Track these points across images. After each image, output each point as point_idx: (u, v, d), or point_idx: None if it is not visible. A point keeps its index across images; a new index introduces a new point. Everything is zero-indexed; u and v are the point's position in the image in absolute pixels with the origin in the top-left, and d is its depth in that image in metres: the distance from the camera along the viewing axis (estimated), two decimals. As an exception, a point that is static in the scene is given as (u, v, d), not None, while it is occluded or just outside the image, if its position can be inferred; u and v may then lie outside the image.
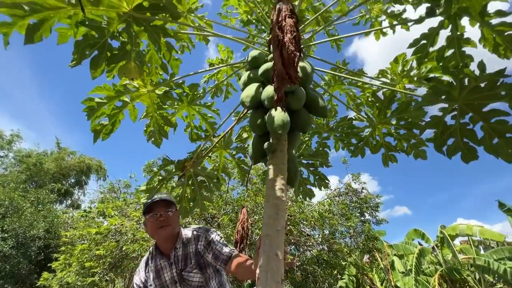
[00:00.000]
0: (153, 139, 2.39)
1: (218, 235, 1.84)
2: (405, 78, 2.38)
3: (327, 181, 3.02)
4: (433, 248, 9.82)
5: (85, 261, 4.86)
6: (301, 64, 1.73)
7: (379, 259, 8.30)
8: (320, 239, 6.22)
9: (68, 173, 15.23)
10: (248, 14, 2.82)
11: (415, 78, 2.33)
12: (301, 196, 3.19)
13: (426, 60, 1.99)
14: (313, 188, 3.15)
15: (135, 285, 1.80)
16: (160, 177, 2.39)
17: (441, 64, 1.85)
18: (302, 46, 2.39)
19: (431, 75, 2.27)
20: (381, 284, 8.24)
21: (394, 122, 2.47)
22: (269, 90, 1.59)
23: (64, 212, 12.46)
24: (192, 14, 2.57)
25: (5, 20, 1.09)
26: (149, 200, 1.75)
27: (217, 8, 3.07)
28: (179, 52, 1.99)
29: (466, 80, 1.60)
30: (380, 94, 2.53)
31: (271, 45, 0.97)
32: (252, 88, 1.66)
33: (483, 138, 1.72)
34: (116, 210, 5.78)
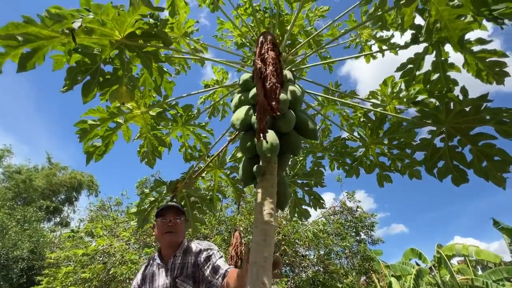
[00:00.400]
0: (146, 159, 2.39)
1: (219, 252, 1.81)
2: (395, 100, 2.43)
3: (322, 201, 2.99)
4: (430, 268, 9.55)
5: (69, 285, 4.62)
6: (291, 87, 1.77)
7: (376, 280, 8.03)
8: (315, 260, 6.04)
9: (58, 189, 14.91)
10: (242, 37, 2.91)
11: (405, 99, 2.38)
12: (296, 216, 3.15)
13: (414, 82, 2.05)
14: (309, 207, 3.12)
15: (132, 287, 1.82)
16: (152, 199, 2.36)
17: (428, 86, 1.91)
18: (294, 69, 2.46)
19: (420, 96, 2.32)
20: None
21: (386, 142, 2.50)
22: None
23: (52, 231, 12.03)
24: (188, 38, 2.65)
25: (-2, 50, 1.12)
26: (162, 205, 1.87)
27: (215, 29, 3.18)
28: (173, 75, 2.04)
29: (451, 104, 1.64)
30: (371, 114, 2.58)
31: (254, 77, 1.00)
32: (242, 110, 1.69)
33: (472, 161, 1.73)
34: (106, 230, 5.62)
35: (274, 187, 1.46)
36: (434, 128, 1.79)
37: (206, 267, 1.66)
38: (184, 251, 1.75)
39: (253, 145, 1.60)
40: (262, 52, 0.94)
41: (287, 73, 1.99)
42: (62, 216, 15.77)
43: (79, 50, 1.34)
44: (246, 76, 1.92)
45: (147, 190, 2.30)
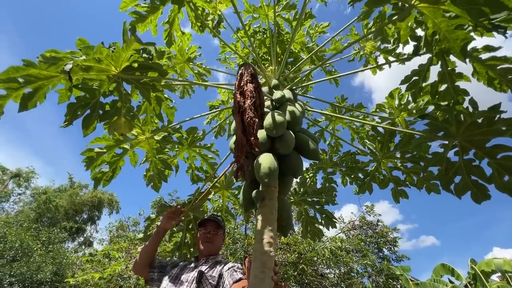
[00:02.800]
0: (152, 183, 2.41)
1: (241, 269, 1.80)
2: (403, 112, 2.33)
3: (334, 220, 2.86)
4: (465, 286, 8.67)
5: (87, 308, 4.68)
6: (289, 108, 1.74)
7: None
8: (335, 279, 5.69)
9: (81, 208, 15.53)
10: (243, 59, 2.96)
11: (414, 111, 2.27)
12: (309, 236, 3.03)
13: (421, 94, 1.96)
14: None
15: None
16: (159, 223, 2.36)
17: (436, 98, 1.81)
18: (295, 87, 2.44)
19: (430, 107, 2.21)
20: None
21: (398, 155, 2.38)
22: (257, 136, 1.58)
23: (75, 251, 12.34)
24: (191, 63, 2.73)
25: (-1, 93, 1.19)
26: (206, 216, 2.03)
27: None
28: (174, 101, 2.08)
29: (461, 116, 1.53)
30: (380, 128, 2.48)
31: (233, 111, 0.99)
32: (240, 134, 1.67)
33: (493, 175, 1.58)
34: (122, 252, 5.67)
35: (274, 214, 1.40)
36: (446, 142, 1.68)
37: (226, 271, 1.69)
38: (215, 261, 1.81)
39: (252, 169, 1.57)
40: (241, 84, 0.93)
41: (286, 92, 1.97)
42: (85, 235, 16.30)
43: (79, 86, 1.40)
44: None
45: (153, 216, 2.30)
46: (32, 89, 1.26)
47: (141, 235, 2.29)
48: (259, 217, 1.39)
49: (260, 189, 1.54)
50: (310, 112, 3.50)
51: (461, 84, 1.74)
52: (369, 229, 7.75)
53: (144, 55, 1.29)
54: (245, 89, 0.90)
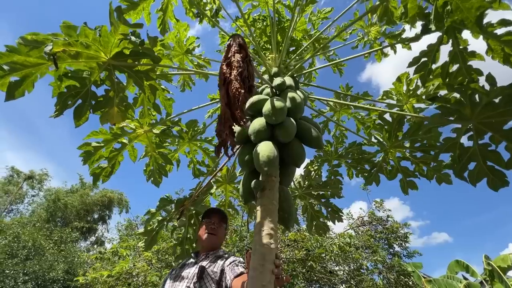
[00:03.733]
0: (152, 178, 2.36)
1: (243, 263, 1.74)
2: (412, 98, 2.21)
3: (340, 214, 2.76)
4: (481, 283, 8.37)
5: (96, 306, 4.73)
6: (290, 94, 1.65)
7: None
8: (345, 276, 5.55)
9: (92, 208, 15.87)
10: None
11: (424, 97, 2.15)
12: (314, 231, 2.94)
13: (431, 77, 1.84)
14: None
15: None
16: (160, 218, 2.31)
17: (447, 81, 1.69)
18: (296, 75, 2.34)
19: (441, 92, 2.09)
20: None
21: (407, 145, 2.27)
22: (256, 124, 1.51)
23: (88, 250, 12.62)
24: (190, 55, 2.66)
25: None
26: (210, 208, 2.01)
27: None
28: (171, 92, 2.01)
29: (476, 96, 1.42)
30: (388, 116, 2.36)
31: (219, 83, 0.91)
32: (239, 123, 1.59)
33: (511, 160, 1.47)
34: (131, 250, 5.70)
35: (275, 204, 1.33)
36: (459, 126, 1.56)
37: (227, 265, 1.66)
38: (216, 256, 1.77)
39: (251, 158, 1.49)
40: (229, 55, 0.85)
41: (287, 79, 1.89)
42: (97, 235, 16.63)
43: (69, 75, 1.34)
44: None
45: (153, 210, 2.25)
46: (19, 78, 1.21)
47: (141, 230, 2.25)
48: (259, 208, 1.31)
49: (260, 179, 1.46)
50: (313, 103, 3.40)
51: (474, 63, 1.62)
52: (378, 225, 7.56)
53: (133, 38, 1.22)
54: (232, 60, 0.83)
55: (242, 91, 0.81)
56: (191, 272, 1.66)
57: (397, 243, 7.64)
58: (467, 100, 1.42)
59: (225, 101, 0.83)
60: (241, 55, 0.85)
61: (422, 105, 2.25)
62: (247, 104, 1.61)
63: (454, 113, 1.52)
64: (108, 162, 2.15)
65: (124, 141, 2.17)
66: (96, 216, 16.89)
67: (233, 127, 0.89)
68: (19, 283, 7.72)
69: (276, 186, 1.40)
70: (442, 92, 2.07)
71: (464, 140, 1.61)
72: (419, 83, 2.11)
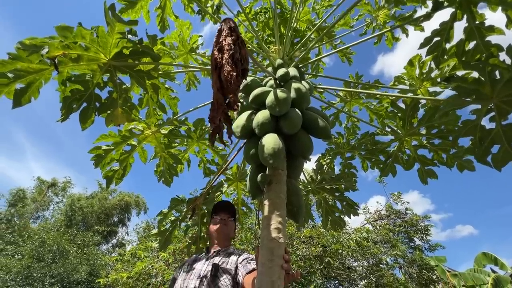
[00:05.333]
0: (163, 179, 2.38)
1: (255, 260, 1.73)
2: (426, 81, 2.09)
3: (356, 207, 2.67)
4: (511, 276, 7.87)
5: (117, 307, 4.88)
6: (295, 85, 1.60)
7: None
8: (364, 272, 5.38)
9: (111, 212, 16.52)
10: (248, 44, 2.83)
11: (438, 80, 2.03)
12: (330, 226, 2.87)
13: (446, 57, 1.72)
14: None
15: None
16: (172, 218, 2.33)
17: (463, 59, 1.57)
18: (301, 65, 2.28)
19: (458, 73, 1.95)
20: None
21: (424, 132, 2.15)
22: (259, 116, 1.47)
23: (110, 252, 13.13)
24: (194, 53, 2.65)
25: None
26: (220, 203, 2.01)
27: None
28: (175, 91, 2.01)
29: (497, 72, 1.30)
30: (400, 102, 2.25)
31: (211, 69, 0.87)
32: (243, 117, 1.56)
33: (540, 141, 1.35)
34: (149, 251, 5.84)
35: (282, 198, 1.28)
36: (479, 106, 1.45)
37: (240, 262, 1.66)
38: (228, 253, 1.77)
39: (257, 152, 1.46)
40: (220, 40, 0.82)
41: (291, 70, 1.83)
42: (117, 237, 17.24)
43: (72, 79, 1.36)
44: (247, 80, 1.80)
45: (165, 210, 2.27)
46: (25, 85, 1.23)
47: (155, 231, 2.27)
48: (266, 202, 1.27)
49: (267, 173, 1.42)
50: (323, 95, 3.31)
51: (493, 38, 1.50)
52: (397, 218, 7.28)
53: (130, 36, 1.21)
54: (223, 44, 0.79)
55: (234, 73, 0.77)
56: (203, 269, 1.66)
57: (417, 237, 7.34)
58: (486, 77, 1.31)
59: (217, 86, 0.80)
60: (232, 38, 0.82)
61: (437, 89, 2.12)
62: (251, 97, 1.58)
63: (472, 93, 1.42)
64: (120, 165, 2.18)
65: (134, 143, 2.19)
66: (116, 219, 17.52)
67: (227, 112, 0.86)
68: (46, 285, 8.18)
69: (283, 179, 1.35)
70: (459, 73, 1.94)
71: (485, 121, 1.50)
72: (433, 65, 1.98)
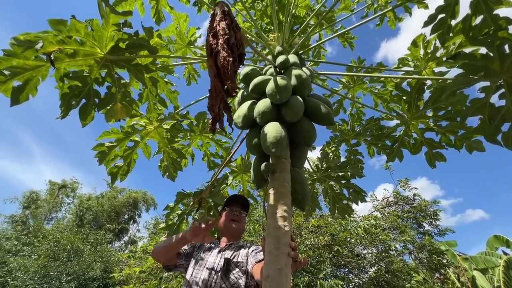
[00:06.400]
0: (168, 173, 2.38)
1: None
2: (431, 62, 2.02)
3: (363, 194, 2.64)
4: None
5: (131, 301, 5.01)
6: (295, 71, 1.56)
7: (453, 276, 6.78)
8: (373, 259, 5.38)
9: (121, 210, 16.88)
10: (246, 34, 2.78)
11: (444, 59, 1.96)
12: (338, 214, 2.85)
13: (451, 35, 1.66)
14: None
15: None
16: (179, 212, 2.34)
17: (470, 35, 1.51)
18: (301, 51, 2.23)
19: (464, 50, 1.88)
20: None
21: (430, 114, 2.10)
22: (260, 105, 1.44)
23: (122, 249, 13.50)
24: (192, 46, 2.62)
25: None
26: (232, 196, 2.01)
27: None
28: (174, 85, 1.99)
29: (506, 46, 1.24)
30: (405, 85, 2.19)
31: (207, 56, 0.85)
32: (244, 107, 1.54)
33: (553, 116, 1.29)
34: (159, 246, 5.95)
35: (287, 186, 1.27)
36: (488, 83, 1.40)
37: (250, 254, 1.69)
38: (238, 246, 1.80)
39: (259, 142, 1.43)
40: (214, 25, 0.79)
41: (291, 56, 1.79)
42: (129, 234, 17.64)
43: (70, 75, 1.35)
44: (246, 69, 1.77)
45: (171, 204, 2.28)
46: (22, 82, 1.22)
47: (163, 225, 2.29)
48: (270, 191, 1.26)
49: (270, 162, 1.40)
50: (325, 82, 3.25)
51: (502, 11, 1.43)
52: (405, 204, 7.23)
53: (125, 29, 1.19)
54: (217, 29, 0.77)
55: (231, 59, 0.75)
56: (216, 262, 1.67)
57: (426, 222, 7.29)
58: (495, 52, 1.26)
59: (214, 73, 0.77)
60: (226, 22, 0.79)
61: (443, 68, 2.06)
62: (251, 86, 1.55)
63: (480, 69, 1.36)
64: (124, 161, 2.19)
65: (137, 139, 2.19)
66: (126, 217, 17.87)
67: (226, 99, 0.83)
68: (63, 283, 8.49)
69: (287, 168, 1.34)
70: (466, 50, 1.87)
71: (494, 99, 1.45)
72: (438, 44, 1.92)
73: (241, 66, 0.83)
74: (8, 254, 11.15)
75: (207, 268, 1.67)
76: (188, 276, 1.68)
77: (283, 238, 1.07)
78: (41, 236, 11.18)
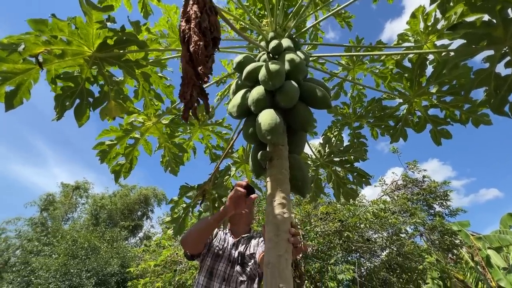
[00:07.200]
0: (170, 168, 2.40)
1: None
2: (432, 35, 1.93)
3: (368, 177, 2.61)
4: None
5: (148, 294, 5.21)
6: (288, 56, 1.52)
7: (467, 255, 6.72)
8: (384, 243, 5.37)
9: (133, 207, 17.38)
10: (240, 21, 2.71)
11: (446, 30, 1.86)
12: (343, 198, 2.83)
13: (452, 4, 1.57)
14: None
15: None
16: (184, 205, 2.36)
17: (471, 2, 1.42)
18: (294, 35, 2.16)
19: (467, 19, 1.78)
20: (477, 286, 6.58)
21: (434, 90, 2.03)
22: (254, 93, 1.41)
23: (138, 245, 13.99)
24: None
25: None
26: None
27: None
28: (169, 79, 1.97)
29: (509, 11, 1.17)
30: (406, 62, 2.11)
31: (180, 42, 0.82)
32: (238, 96, 1.51)
33: (562, 82, 1.22)
34: (172, 240, 6.13)
35: (285, 173, 1.25)
36: (492, 52, 1.32)
37: (260, 243, 1.71)
38: (249, 238, 1.83)
39: (256, 130, 1.41)
40: (187, 10, 0.76)
41: (284, 41, 1.74)
42: (144, 230, 18.17)
43: (61, 76, 1.34)
44: (239, 57, 1.73)
45: (175, 198, 2.30)
46: (14, 87, 1.23)
47: (168, 218, 2.33)
48: (268, 179, 1.25)
49: (268, 150, 1.39)
50: (324, 65, 3.17)
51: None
52: (414, 187, 7.13)
53: (109, 24, 1.17)
54: (190, 13, 0.74)
55: (201, 43, 0.72)
56: (232, 254, 1.72)
57: (437, 203, 7.20)
58: (497, 18, 1.18)
59: (186, 59, 0.75)
60: (198, 5, 0.75)
61: (446, 41, 1.96)
62: (244, 74, 1.52)
63: (483, 38, 1.29)
64: (126, 158, 2.21)
65: (137, 135, 2.20)
66: (139, 213, 18.37)
67: (201, 86, 0.81)
68: (84, 279, 8.91)
69: (284, 155, 1.32)
70: (469, 20, 1.77)
71: (500, 68, 1.37)
72: (438, 15, 1.82)
73: (216, 50, 0.80)
74: (30, 255, 11.73)
75: (224, 260, 1.71)
76: (206, 267, 1.71)
77: (282, 225, 1.07)
78: (60, 236, 11.68)
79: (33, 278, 9.85)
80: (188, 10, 0.77)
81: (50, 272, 9.44)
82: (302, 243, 1.08)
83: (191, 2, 0.77)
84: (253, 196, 1.57)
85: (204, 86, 2.43)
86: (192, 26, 0.73)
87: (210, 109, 2.67)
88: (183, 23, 0.77)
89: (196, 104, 0.85)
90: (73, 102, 1.40)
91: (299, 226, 5.14)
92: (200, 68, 0.74)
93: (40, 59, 1.15)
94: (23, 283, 10.14)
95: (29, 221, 15.42)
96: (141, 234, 17.86)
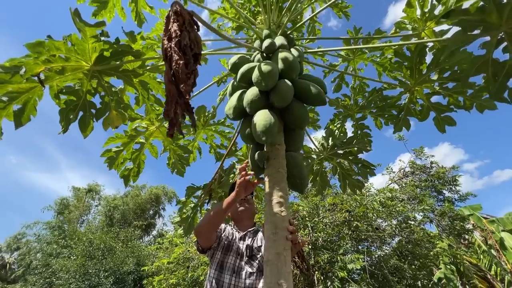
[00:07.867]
0: (176, 170, 2.46)
1: None
2: (429, 21, 1.89)
3: (372, 168, 2.61)
4: None
5: (163, 290, 5.40)
6: (282, 54, 1.52)
7: (479, 239, 6.63)
8: (393, 231, 5.35)
9: (145, 206, 17.86)
10: (234, 20, 2.71)
11: (440, 18, 1.82)
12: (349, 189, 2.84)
13: (447, -10, 1.54)
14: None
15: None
16: (192, 205, 2.43)
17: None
18: (290, 32, 2.15)
19: (465, 4, 1.74)
20: (491, 269, 6.51)
21: (435, 77, 2.00)
22: (248, 94, 1.44)
23: (152, 243, 14.47)
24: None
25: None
26: (234, 183, 2.00)
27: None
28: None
29: (503, -4, 1.14)
30: (405, 50, 2.08)
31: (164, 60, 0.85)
32: (233, 98, 1.54)
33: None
34: (183, 238, 6.29)
35: (282, 172, 1.28)
36: (488, 38, 1.30)
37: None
38: (255, 231, 1.87)
39: (251, 131, 1.44)
40: (169, 27, 0.78)
41: (278, 39, 1.74)
42: (157, 228, 18.67)
43: (63, 91, 1.40)
44: (234, 58, 1.75)
45: (183, 199, 2.37)
46: (21, 105, 1.29)
47: (177, 218, 2.40)
48: (266, 179, 1.28)
49: (265, 150, 1.41)
50: (324, 57, 3.14)
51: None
52: (422, 173, 7.03)
53: (103, 38, 1.20)
54: (171, 31, 0.76)
55: (182, 61, 0.74)
56: (239, 248, 1.77)
57: (446, 189, 7.09)
58: (491, 3, 1.16)
59: (169, 77, 0.78)
60: (178, 23, 0.77)
61: (444, 27, 1.92)
62: (238, 75, 1.54)
63: (478, 24, 1.27)
64: (133, 163, 2.28)
65: (142, 140, 2.26)
66: (151, 212, 18.85)
67: (187, 102, 0.84)
68: (102, 279, 9.30)
69: (281, 154, 1.34)
70: (466, 4, 1.73)
71: (497, 54, 1.35)
72: (435, 1, 1.78)
73: (197, 65, 0.82)
74: (50, 257, 12.29)
75: (233, 253, 1.76)
76: (216, 260, 1.75)
77: (280, 223, 1.10)
78: (76, 238, 12.17)
79: (54, 280, 10.35)
80: (169, 27, 0.79)
81: (70, 273, 9.89)
82: (300, 240, 1.12)
83: (171, 20, 0.79)
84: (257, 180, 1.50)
85: (204, 86, 2.44)
86: (172, 45, 0.76)
87: (212, 109, 2.70)
88: (165, 41, 0.79)
89: (180, 120, 0.88)
90: (77, 114, 1.46)
91: (307, 218, 5.17)
92: (182, 86, 0.77)
93: (42, 77, 1.20)
94: (45, 284, 10.68)
95: (47, 224, 16.04)
96: (154, 232, 18.36)
